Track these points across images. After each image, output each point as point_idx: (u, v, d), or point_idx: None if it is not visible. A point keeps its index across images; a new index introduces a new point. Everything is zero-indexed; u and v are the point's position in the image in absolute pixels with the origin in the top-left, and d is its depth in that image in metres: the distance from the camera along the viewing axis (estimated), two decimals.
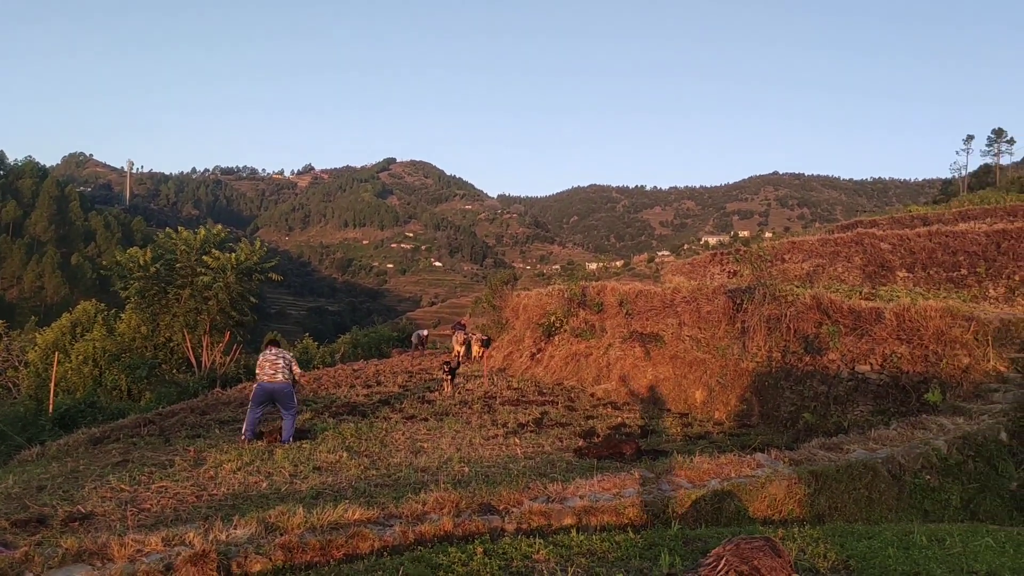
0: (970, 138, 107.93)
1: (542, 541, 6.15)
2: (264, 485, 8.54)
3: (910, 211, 31.53)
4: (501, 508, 7.13)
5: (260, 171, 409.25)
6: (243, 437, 12.06)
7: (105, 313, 31.69)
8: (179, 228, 24.02)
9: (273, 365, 12.48)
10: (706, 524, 7.19)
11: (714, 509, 7.52)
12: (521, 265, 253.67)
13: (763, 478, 7.95)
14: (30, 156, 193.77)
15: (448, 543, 6.27)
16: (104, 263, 25.13)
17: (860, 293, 13.26)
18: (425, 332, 34.02)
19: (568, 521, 7.01)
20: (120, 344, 23.91)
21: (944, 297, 13.21)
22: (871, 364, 11.53)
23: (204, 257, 22.34)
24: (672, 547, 6.07)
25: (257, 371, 12.82)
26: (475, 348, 24.46)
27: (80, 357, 27.22)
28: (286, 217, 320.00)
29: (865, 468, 7.90)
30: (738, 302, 14.28)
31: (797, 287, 13.60)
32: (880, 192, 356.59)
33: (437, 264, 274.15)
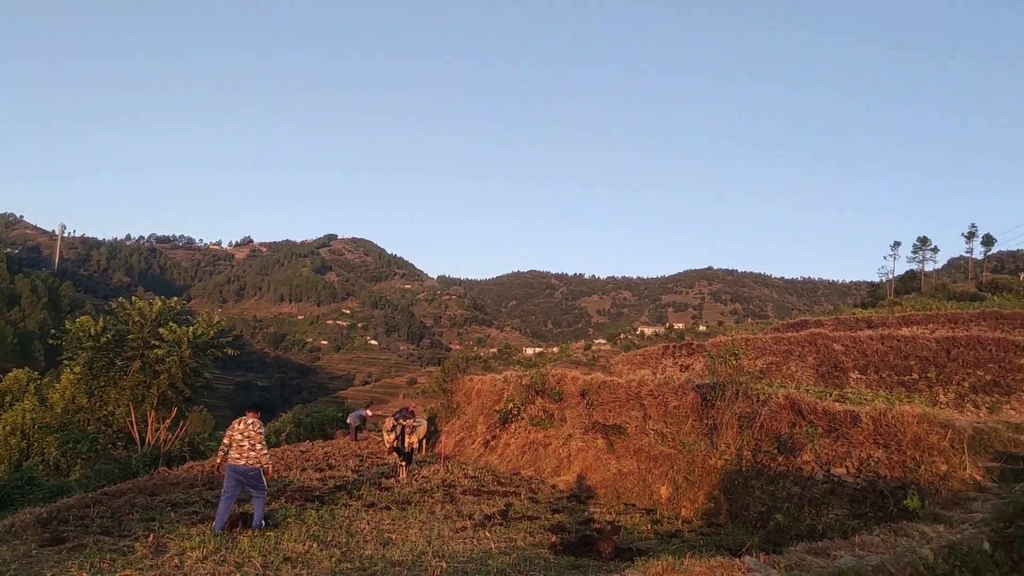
0: (897, 244, 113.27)
1: None
2: None
3: (855, 313, 32.49)
4: None
5: (197, 241, 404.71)
6: (215, 530, 10.71)
7: (38, 382, 30.14)
8: (133, 299, 23.15)
9: (241, 444, 11.36)
10: None
11: None
12: (458, 347, 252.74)
13: None
14: None
15: None
16: (53, 332, 23.87)
17: (831, 395, 13.41)
18: (368, 413, 33.00)
19: None
20: (58, 416, 22.63)
21: (907, 401, 13.42)
22: (847, 467, 11.57)
23: (160, 329, 21.52)
24: None
25: (225, 444, 11.45)
26: (410, 439, 19.67)
27: (8, 428, 25.62)
28: (221, 289, 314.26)
29: None
30: (708, 398, 14.31)
31: (768, 386, 13.69)
32: (810, 291, 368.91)
33: (373, 343, 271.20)
